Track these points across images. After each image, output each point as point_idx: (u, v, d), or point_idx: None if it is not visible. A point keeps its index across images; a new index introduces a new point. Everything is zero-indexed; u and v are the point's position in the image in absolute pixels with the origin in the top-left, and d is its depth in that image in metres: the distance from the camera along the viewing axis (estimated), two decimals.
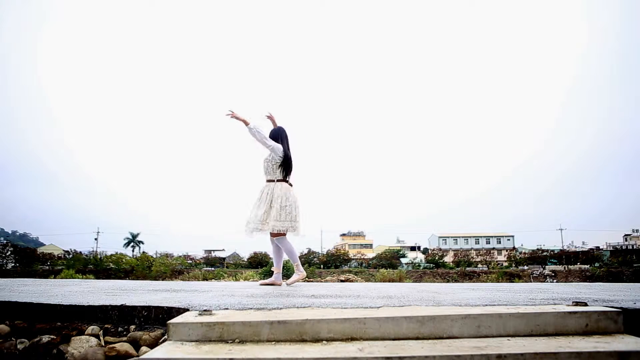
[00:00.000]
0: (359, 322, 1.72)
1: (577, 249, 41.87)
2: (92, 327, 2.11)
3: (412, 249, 58.16)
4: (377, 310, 1.95)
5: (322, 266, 33.33)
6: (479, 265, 34.48)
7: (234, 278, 19.48)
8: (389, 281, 20.50)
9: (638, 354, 1.49)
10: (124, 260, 28.37)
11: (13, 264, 29.18)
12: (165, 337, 1.79)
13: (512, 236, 58.48)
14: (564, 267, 30.21)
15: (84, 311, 2.19)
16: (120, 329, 2.10)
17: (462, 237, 59.60)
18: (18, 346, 2.08)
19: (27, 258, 29.76)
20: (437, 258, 34.64)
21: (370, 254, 41.22)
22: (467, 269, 30.49)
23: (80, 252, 32.43)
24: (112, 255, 30.02)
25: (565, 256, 33.13)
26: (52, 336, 2.09)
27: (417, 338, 1.71)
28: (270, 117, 4.43)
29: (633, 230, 56.99)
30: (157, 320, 2.10)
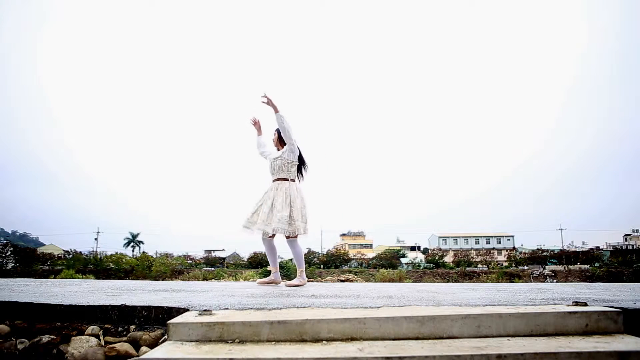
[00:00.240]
0: (359, 322, 1.72)
1: (577, 249, 41.87)
2: (92, 327, 2.11)
3: (412, 249, 58.16)
4: (377, 310, 1.95)
5: (322, 266, 33.33)
6: (479, 265, 34.49)
7: (234, 278, 19.48)
8: (389, 281, 20.50)
9: (638, 354, 1.49)
10: (124, 260, 28.37)
11: (13, 264, 29.18)
12: (165, 337, 1.79)
13: (512, 236, 58.48)
14: (564, 267, 30.22)
15: (84, 311, 2.19)
16: (120, 329, 2.10)
17: (462, 237, 59.60)
18: (18, 346, 2.08)
19: (27, 258, 29.77)
20: (437, 258, 34.65)
21: (370, 254, 41.22)
22: (467, 269, 30.50)
23: (80, 252, 32.44)
24: (112, 255, 30.02)
25: (565, 256, 33.13)
26: (52, 336, 2.09)
27: (417, 338, 1.71)
28: (255, 123, 4.38)
29: (633, 230, 57.00)
30: (157, 320, 2.10)
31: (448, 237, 60.03)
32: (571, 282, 22.76)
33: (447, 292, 3.23)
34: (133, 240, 50.44)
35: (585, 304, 1.98)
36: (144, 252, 35.79)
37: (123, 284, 4.86)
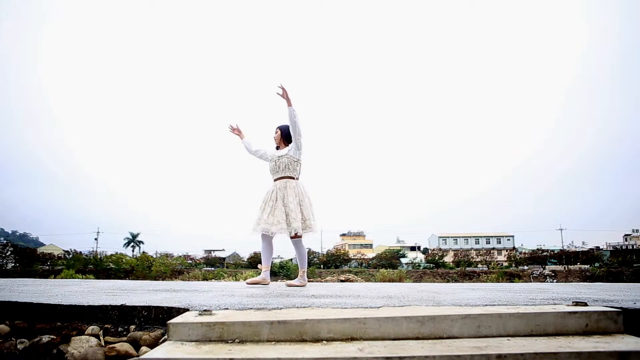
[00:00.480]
0: (359, 322, 1.72)
1: (577, 249, 41.85)
2: (92, 327, 2.11)
3: (412, 249, 58.14)
4: (377, 310, 1.95)
5: (322, 266, 33.34)
6: (479, 265, 34.48)
7: (234, 278, 19.48)
8: (389, 281, 20.50)
9: (638, 354, 1.49)
10: (124, 260, 28.36)
11: (13, 264, 29.18)
12: (165, 337, 1.79)
13: (512, 236, 58.45)
14: (564, 267, 30.21)
15: (84, 311, 2.19)
16: (120, 329, 2.10)
17: (462, 237, 59.58)
18: (18, 346, 2.08)
19: (27, 258, 29.77)
20: (437, 258, 34.64)
21: (370, 254, 41.21)
22: (467, 269, 30.50)
23: (80, 252, 32.42)
24: (112, 255, 30.01)
25: (565, 256, 33.12)
26: (52, 336, 2.09)
27: (417, 338, 1.71)
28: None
29: (633, 230, 56.99)
30: (157, 320, 2.10)
31: (448, 237, 60.01)
32: (571, 282, 22.76)
33: (447, 292, 3.23)
34: (133, 240, 50.42)
35: (585, 304, 1.98)
36: (144, 252, 35.79)
37: (123, 284, 4.86)
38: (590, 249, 40.72)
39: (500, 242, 58.14)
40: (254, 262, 33.10)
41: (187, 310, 2.05)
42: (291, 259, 37.17)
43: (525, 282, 21.01)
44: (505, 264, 35.94)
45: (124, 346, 1.95)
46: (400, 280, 21.55)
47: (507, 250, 48.83)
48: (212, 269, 29.30)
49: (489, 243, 58.18)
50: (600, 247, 42.39)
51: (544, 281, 24.33)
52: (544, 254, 35.61)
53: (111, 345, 1.96)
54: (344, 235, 62.04)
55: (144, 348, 1.95)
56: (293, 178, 3.94)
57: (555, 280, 24.69)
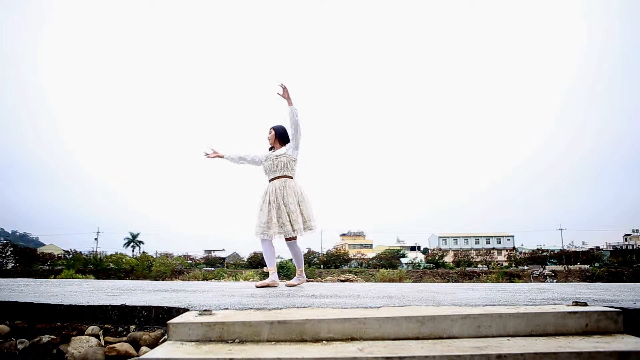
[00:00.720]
0: (359, 322, 1.72)
1: (577, 249, 41.84)
2: (92, 327, 2.11)
3: (412, 249, 58.14)
4: (377, 310, 1.95)
5: (322, 266, 33.33)
6: (479, 265, 34.48)
7: (234, 278, 19.48)
8: (389, 281, 20.50)
9: (638, 354, 1.49)
10: (124, 260, 28.37)
11: (13, 264, 29.19)
12: (165, 337, 1.79)
13: (512, 236, 58.45)
14: (564, 267, 30.21)
15: (84, 311, 2.19)
16: (120, 329, 2.10)
17: (462, 237, 59.58)
18: (18, 346, 2.08)
19: (27, 258, 29.79)
20: (437, 258, 34.63)
21: (370, 254, 41.20)
22: (467, 269, 30.50)
23: (80, 252, 32.44)
24: (112, 255, 30.02)
25: (565, 256, 33.12)
26: (52, 336, 2.09)
27: (417, 338, 1.71)
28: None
29: (633, 230, 56.96)
30: (157, 320, 2.10)
31: (448, 237, 60.01)
32: (571, 282, 22.76)
33: (447, 292, 3.23)
34: (133, 240, 50.42)
35: (585, 304, 1.98)
36: (144, 252, 35.80)
37: (123, 284, 4.86)
38: (590, 249, 40.71)
39: (500, 242, 58.14)
40: (254, 262, 33.11)
41: (187, 310, 2.05)
42: (291, 259, 37.15)
43: (525, 282, 21.01)
44: (505, 264, 35.93)
45: (124, 346, 1.95)
46: (400, 280, 21.55)
47: (507, 250, 48.81)
48: (212, 269, 29.29)
49: (489, 243, 58.17)
50: (600, 247, 42.38)
51: (544, 281, 24.34)
52: (544, 254, 35.61)
53: (111, 345, 1.96)
54: (344, 235, 62.04)
55: (144, 348, 1.95)
56: (291, 177, 3.91)
57: (555, 280, 24.69)
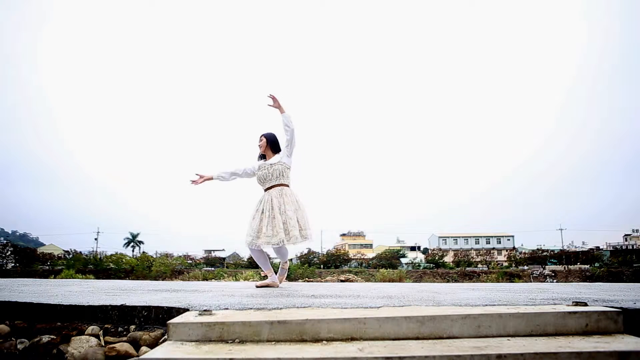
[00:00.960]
0: (359, 322, 1.72)
1: (577, 249, 41.82)
2: (92, 327, 2.11)
3: (412, 249, 58.12)
4: (377, 310, 1.95)
5: (322, 266, 33.33)
6: (479, 265, 34.47)
7: (234, 278, 19.48)
8: (389, 281, 20.50)
9: (638, 354, 1.49)
10: (124, 260, 28.36)
11: (13, 264, 29.18)
12: (165, 337, 1.79)
13: (512, 236, 58.45)
14: (564, 267, 30.20)
15: (84, 311, 2.19)
16: (120, 329, 2.10)
17: (462, 237, 59.57)
18: (18, 346, 2.08)
19: (27, 258, 29.78)
20: (437, 258, 34.63)
21: (370, 254, 41.20)
22: (467, 269, 30.49)
23: (80, 252, 32.43)
24: (112, 255, 30.01)
25: (565, 256, 33.11)
26: (52, 336, 2.09)
27: (417, 338, 1.71)
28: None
29: (633, 230, 56.94)
30: (157, 320, 2.10)
31: (448, 237, 60.00)
32: (571, 282, 22.76)
33: (447, 292, 3.24)
34: (133, 240, 50.41)
35: (585, 304, 1.98)
36: (144, 252, 35.79)
37: (123, 284, 4.86)
38: (590, 249, 40.69)
39: (500, 242, 58.13)
40: (254, 262, 33.03)
41: (187, 310, 2.06)
42: (291, 259, 37.14)
43: (525, 282, 21.02)
44: (505, 264, 35.92)
45: (124, 346, 1.95)
46: (400, 280, 21.54)
47: (507, 250, 48.80)
48: (212, 269, 29.28)
49: (489, 243, 58.16)
50: (600, 247, 42.37)
51: (544, 281, 24.34)
52: (544, 254, 35.60)
53: (111, 345, 1.96)
54: (344, 235, 62.03)
55: (144, 348, 1.95)
56: (287, 185, 3.87)
57: (555, 280, 24.69)
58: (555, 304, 2.15)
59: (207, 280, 18.70)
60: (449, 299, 2.52)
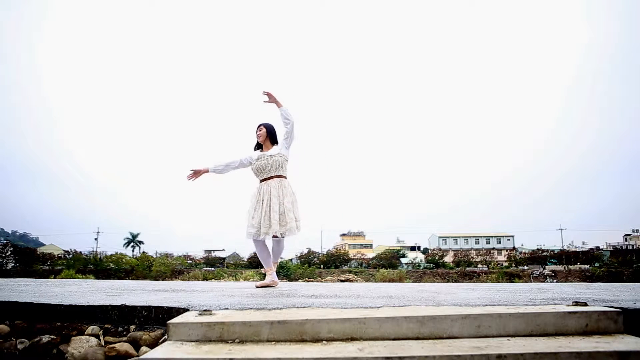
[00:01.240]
0: (359, 322, 1.72)
1: (577, 249, 41.82)
2: (92, 327, 2.11)
3: (412, 249, 58.11)
4: (377, 310, 1.95)
5: (322, 266, 33.33)
6: (479, 265, 34.46)
7: (234, 278, 19.48)
8: (389, 281, 20.50)
9: (638, 354, 1.49)
10: (124, 260, 28.37)
11: (13, 264, 29.16)
12: (165, 337, 1.79)
13: (512, 236, 58.45)
14: (564, 267, 30.21)
15: (84, 311, 2.19)
16: (120, 329, 2.10)
17: (462, 237, 59.57)
18: (18, 346, 2.08)
19: (27, 258, 29.75)
20: (437, 258, 34.63)
21: (370, 254, 41.22)
22: (467, 269, 30.50)
23: (80, 252, 32.41)
24: (112, 255, 30.02)
25: (565, 256, 33.10)
26: (52, 336, 2.09)
27: (417, 338, 1.71)
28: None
29: (633, 230, 56.90)
30: (157, 320, 2.10)
31: (448, 237, 60.00)
32: (571, 282, 22.77)
33: (447, 292, 3.24)
34: (133, 240, 50.40)
35: (585, 304, 1.98)
36: (144, 252, 35.80)
37: (123, 284, 4.86)
38: (590, 249, 40.68)
39: (500, 242, 58.13)
40: (253, 262, 33.08)
41: (187, 310, 2.06)
42: (291, 259, 37.17)
43: (525, 282, 21.02)
44: (505, 264, 35.92)
45: (124, 346, 1.95)
46: (400, 280, 21.55)
47: (507, 250, 48.80)
48: (212, 269, 29.28)
49: (489, 243, 58.16)
50: (600, 247, 42.35)
51: (544, 281, 24.34)
52: (544, 254, 35.60)
53: (111, 345, 1.96)
54: (344, 235, 62.04)
55: (144, 348, 1.95)
56: (285, 177, 3.87)
57: (555, 280, 24.70)
58: (555, 304, 2.15)
59: (207, 280, 18.71)
60: (449, 299, 2.52)
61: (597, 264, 30.63)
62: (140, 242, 50.75)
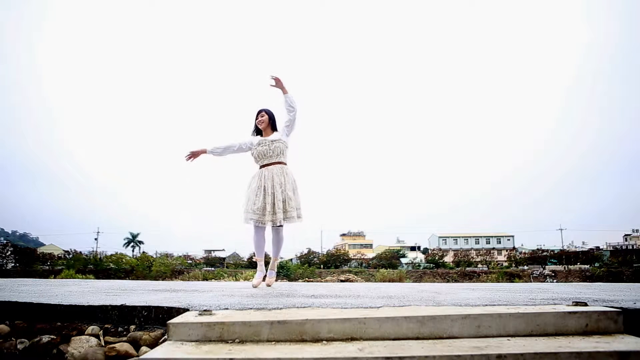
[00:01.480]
0: (359, 322, 1.72)
1: (577, 249, 41.81)
2: (92, 327, 2.11)
3: (412, 249, 58.10)
4: (377, 310, 1.95)
5: (322, 266, 33.32)
6: (479, 265, 34.45)
7: (234, 278, 19.48)
8: (389, 281, 20.49)
9: (638, 354, 1.49)
10: (124, 260, 28.37)
11: (13, 264, 29.15)
12: (165, 337, 1.79)
13: (512, 236, 58.44)
14: (564, 267, 30.20)
15: (84, 311, 2.19)
16: (120, 329, 2.10)
17: (462, 237, 59.56)
18: (18, 346, 2.08)
19: (27, 258, 29.74)
20: (437, 258, 34.63)
21: (370, 254, 41.21)
22: (467, 269, 30.49)
23: (80, 252, 32.40)
24: (112, 255, 30.01)
25: (565, 256, 33.09)
26: (52, 336, 2.09)
27: (417, 338, 1.71)
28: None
29: (633, 230, 56.88)
30: (157, 320, 2.10)
31: (448, 237, 60.00)
32: (571, 282, 22.77)
33: (447, 292, 3.24)
34: (133, 240, 50.41)
35: (585, 304, 1.98)
36: (144, 252, 35.80)
37: (123, 284, 4.87)
38: (590, 249, 40.67)
39: (500, 242, 58.12)
40: (254, 262, 33.06)
41: (187, 310, 2.06)
42: (291, 259, 37.16)
43: (525, 282, 21.02)
44: (505, 264, 35.91)
45: (124, 346, 1.95)
46: (400, 280, 21.55)
47: (507, 250, 48.79)
48: (212, 269, 29.27)
49: (489, 243, 58.15)
50: (600, 247, 42.33)
51: (544, 281, 24.34)
52: (544, 254, 35.59)
53: (111, 345, 1.96)
54: (344, 235, 62.03)
55: (144, 348, 1.95)
56: (285, 164, 3.83)
57: (555, 280, 24.70)
58: (555, 304, 2.15)
59: (207, 280, 18.71)
60: (449, 299, 2.52)
61: (597, 264, 30.62)
62: (140, 242, 50.75)
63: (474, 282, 23.41)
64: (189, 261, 32.66)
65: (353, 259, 36.42)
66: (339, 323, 1.72)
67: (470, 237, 59.22)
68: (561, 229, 52.55)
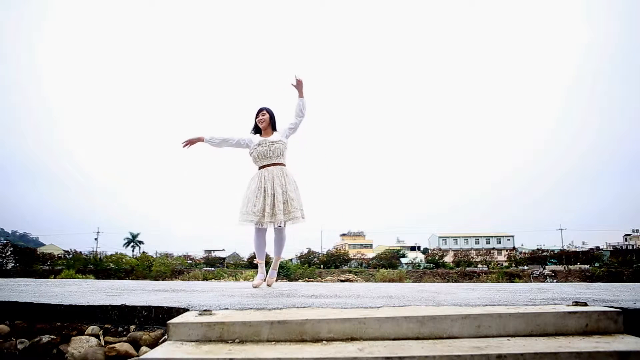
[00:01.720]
0: (359, 322, 1.72)
1: (577, 249, 41.80)
2: (92, 327, 2.11)
3: (412, 249, 58.09)
4: (377, 310, 1.95)
5: (322, 266, 33.32)
6: (479, 265, 34.45)
7: (234, 278, 19.48)
8: (389, 281, 20.49)
9: (638, 354, 1.49)
10: (124, 260, 28.36)
11: (13, 264, 29.14)
12: (165, 337, 1.79)
13: (512, 236, 58.43)
14: (564, 267, 30.20)
15: (84, 311, 2.19)
16: (120, 329, 2.10)
17: (462, 237, 59.55)
18: (18, 346, 2.08)
19: (27, 258, 29.73)
20: (437, 258, 34.62)
21: (370, 254, 41.21)
22: (467, 269, 30.49)
23: (80, 252, 32.39)
24: (112, 255, 30.01)
25: (565, 256, 33.09)
26: (52, 336, 2.09)
27: (417, 338, 1.71)
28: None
29: (633, 230, 56.88)
30: (157, 320, 2.10)
31: (448, 237, 59.99)
32: (571, 282, 22.77)
33: (447, 292, 3.24)
34: (133, 240, 50.39)
35: (585, 304, 1.98)
36: (144, 252, 35.79)
37: (123, 284, 4.87)
38: (590, 249, 40.66)
39: (500, 242, 58.11)
40: (254, 262, 33.06)
41: (187, 310, 2.06)
42: (291, 259, 37.15)
43: (525, 282, 21.02)
44: (505, 264, 35.91)
45: (124, 346, 1.95)
46: (400, 280, 21.55)
47: (507, 250, 48.78)
48: (212, 269, 29.27)
49: (489, 243, 58.14)
50: (600, 247, 42.33)
51: (544, 281, 24.34)
52: (544, 254, 35.59)
53: (111, 345, 1.96)
54: (344, 235, 62.02)
55: (144, 348, 1.95)
56: (285, 165, 3.84)
57: (555, 280, 24.70)
58: (555, 304, 2.15)
59: (207, 280, 18.71)
60: (449, 299, 2.52)
61: (597, 264, 30.62)
62: (140, 242, 50.73)
63: (474, 282, 23.41)
64: (189, 261, 32.65)
65: (353, 259, 36.41)
66: (339, 323, 1.72)
67: (470, 237, 59.21)
68: (561, 229, 52.59)
